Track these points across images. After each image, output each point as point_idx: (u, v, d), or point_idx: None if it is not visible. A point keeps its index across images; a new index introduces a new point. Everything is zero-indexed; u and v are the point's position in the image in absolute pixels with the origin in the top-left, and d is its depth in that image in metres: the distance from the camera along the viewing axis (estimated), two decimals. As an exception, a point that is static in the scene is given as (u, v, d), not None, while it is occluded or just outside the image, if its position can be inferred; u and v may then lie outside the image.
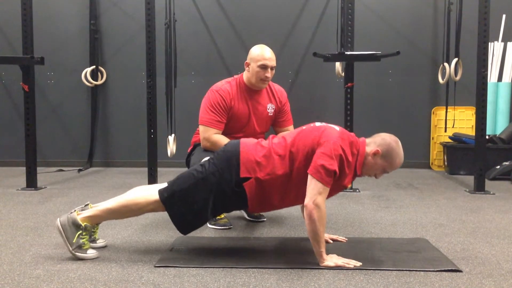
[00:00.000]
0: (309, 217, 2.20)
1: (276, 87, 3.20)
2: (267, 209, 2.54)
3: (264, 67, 2.96)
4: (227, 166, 2.35)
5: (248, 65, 3.03)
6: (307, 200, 2.22)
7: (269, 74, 2.99)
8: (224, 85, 3.05)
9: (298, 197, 2.37)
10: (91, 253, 2.38)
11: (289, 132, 2.52)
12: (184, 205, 2.35)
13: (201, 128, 3.02)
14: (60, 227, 2.34)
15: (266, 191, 2.35)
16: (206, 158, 2.49)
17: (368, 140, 2.42)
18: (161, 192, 2.38)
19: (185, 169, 3.17)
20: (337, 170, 2.24)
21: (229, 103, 3.01)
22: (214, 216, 2.48)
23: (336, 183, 2.31)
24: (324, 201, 2.22)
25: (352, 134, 2.40)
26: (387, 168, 2.39)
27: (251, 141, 2.48)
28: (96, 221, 2.43)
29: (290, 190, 2.36)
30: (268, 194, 2.36)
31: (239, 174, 2.33)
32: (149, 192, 2.41)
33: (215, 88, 3.05)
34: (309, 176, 2.25)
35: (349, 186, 2.39)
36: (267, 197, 2.38)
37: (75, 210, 2.41)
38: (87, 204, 2.57)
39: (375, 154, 2.35)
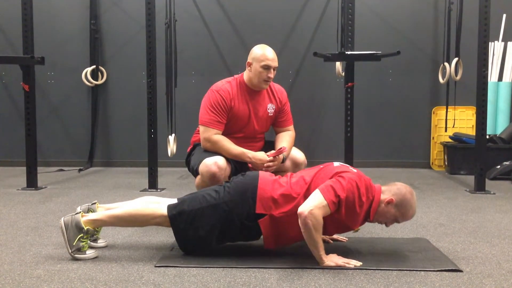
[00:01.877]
0: (304, 225, 2.19)
1: (276, 87, 3.20)
2: (283, 244, 2.45)
3: (267, 67, 2.95)
4: (241, 198, 2.35)
5: (250, 65, 3.01)
6: (304, 208, 2.20)
7: (271, 74, 2.98)
8: (224, 85, 3.04)
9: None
10: (89, 253, 2.39)
11: (308, 170, 2.49)
12: (190, 227, 2.35)
13: (201, 128, 3.01)
14: (63, 227, 2.34)
15: (281, 227, 2.34)
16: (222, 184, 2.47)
17: (383, 188, 2.41)
18: (170, 208, 2.37)
19: (185, 169, 3.18)
20: (342, 198, 2.23)
21: (229, 103, 3.00)
22: (219, 244, 2.44)
23: (344, 219, 2.29)
24: (321, 215, 2.19)
25: (369, 178, 2.40)
26: (398, 218, 2.38)
27: (269, 177, 2.46)
28: (99, 225, 2.43)
29: None
30: (283, 230, 2.34)
31: (255, 210, 2.32)
32: (158, 206, 2.40)
33: (215, 88, 3.04)
34: (315, 190, 2.26)
35: (357, 229, 2.39)
36: (282, 233, 2.36)
37: (80, 212, 2.42)
38: (94, 203, 2.58)
39: (389, 202, 2.35)
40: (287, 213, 2.31)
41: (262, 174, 2.47)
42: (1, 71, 5.86)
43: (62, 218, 2.37)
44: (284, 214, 2.31)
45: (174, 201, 2.44)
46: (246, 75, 3.06)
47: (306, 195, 2.31)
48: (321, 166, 2.46)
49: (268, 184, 2.38)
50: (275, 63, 2.99)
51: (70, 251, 2.34)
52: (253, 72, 2.98)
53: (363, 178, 2.36)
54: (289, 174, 2.51)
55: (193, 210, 2.35)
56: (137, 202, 2.48)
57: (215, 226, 2.34)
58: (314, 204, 2.20)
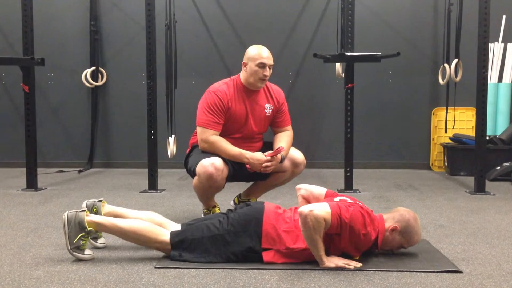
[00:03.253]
0: (304, 224, 2.18)
1: (274, 87, 3.20)
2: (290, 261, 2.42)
3: (262, 65, 2.96)
4: (245, 230, 2.34)
5: (245, 65, 3.02)
6: (305, 208, 2.20)
7: (267, 72, 2.98)
8: (221, 86, 3.05)
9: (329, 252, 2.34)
10: (87, 253, 2.38)
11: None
12: (190, 255, 2.34)
13: (198, 129, 3.01)
14: (65, 222, 2.34)
15: (284, 258, 2.33)
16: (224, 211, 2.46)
17: (386, 215, 2.42)
18: (173, 235, 2.37)
19: (185, 170, 3.18)
20: (346, 221, 2.21)
21: (227, 104, 3.00)
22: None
23: (347, 246, 2.29)
24: (322, 218, 2.17)
25: (371, 210, 2.39)
26: (404, 244, 2.40)
27: (273, 210, 2.42)
28: (101, 229, 2.42)
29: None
30: (291, 257, 2.33)
31: (260, 244, 2.31)
32: (162, 231, 2.39)
33: (212, 89, 3.04)
34: (322, 202, 2.27)
35: (357, 257, 2.39)
36: (289, 258, 2.33)
37: (85, 210, 2.41)
38: (101, 201, 2.58)
39: (393, 230, 2.36)
40: (292, 250, 2.30)
41: (267, 207, 2.43)
42: (1, 72, 5.86)
43: (66, 213, 2.36)
44: (289, 251, 2.31)
45: (178, 227, 2.44)
46: (242, 75, 3.07)
47: None
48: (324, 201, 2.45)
49: (272, 219, 2.36)
50: (270, 61, 2.99)
51: (69, 247, 2.34)
52: (249, 71, 2.99)
53: (365, 209, 2.36)
54: (293, 208, 2.48)
55: (195, 238, 2.35)
56: (143, 220, 2.45)
57: (216, 256, 2.33)
58: (317, 207, 2.19)
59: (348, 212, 2.24)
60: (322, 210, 2.19)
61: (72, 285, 2.06)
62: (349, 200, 2.41)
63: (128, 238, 2.41)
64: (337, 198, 2.45)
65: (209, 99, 3.00)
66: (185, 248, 2.34)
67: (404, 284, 2.07)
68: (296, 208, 2.46)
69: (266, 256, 2.31)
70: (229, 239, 2.33)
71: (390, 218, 2.40)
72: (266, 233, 2.33)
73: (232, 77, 3.13)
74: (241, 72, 3.08)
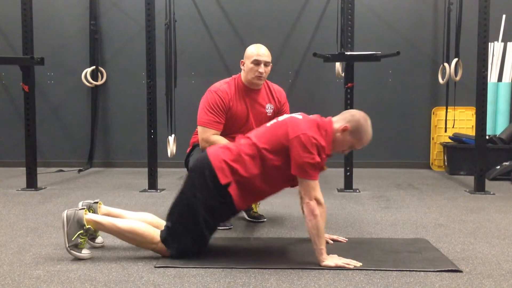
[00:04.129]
0: (312, 213, 2.25)
1: (275, 87, 3.20)
2: (257, 200, 2.65)
3: (257, 62, 2.97)
4: (203, 180, 2.34)
5: (243, 63, 3.04)
6: (307, 199, 2.27)
7: (262, 69, 2.98)
8: (222, 86, 3.05)
9: (284, 181, 2.42)
10: (85, 253, 2.39)
11: (254, 130, 2.53)
12: (181, 243, 2.35)
13: (199, 129, 3.01)
14: (65, 220, 2.35)
15: (249, 188, 2.36)
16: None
17: (336, 118, 2.42)
18: (161, 233, 2.39)
19: (185, 170, 3.18)
20: (319, 160, 2.28)
21: (228, 104, 3.00)
22: (212, 233, 2.43)
23: None
24: (321, 193, 2.30)
25: (316, 116, 2.41)
26: (355, 144, 2.40)
27: (218, 148, 2.47)
28: (99, 228, 2.42)
29: (273, 182, 2.39)
30: (252, 190, 2.38)
31: (220, 183, 2.32)
32: (157, 232, 2.40)
33: (213, 88, 3.05)
34: (298, 178, 2.30)
35: (325, 168, 2.45)
36: (253, 192, 2.39)
37: (84, 208, 2.42)
38: (96, 202, 2.58)
39: (344, 130, 2.36)
40: (247, 179, 2.33)
41: (209, 150, 2.46)
42: (0, 71, 5.86)
43: (66, 211, 2.38)
44: (245, 180, 2.33)
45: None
46: (242, 74, 3.08)
47: (261, 156, 2.33)
48: (267, 125, 2.48)
49: (218, 154, 2.38)
50: (264, 58, 2.99)
51: (67, 245, 2.35)
52: (246, 69, 3.01)
53: (311, 121, 2.36)
54: (237, 137, 2.53)
55: (174, 221, 2.37)
56: (139, 220, 2.47)
57: (198, 219, 2.33)
58: (310, 190, 2.27)
59: (309, 153, 2.26)
60: (316, 188, 2.29)
61: (72, 285, 2.06)
62: (297, 116, 2.40)
63: (125, 238, 2.41)
64: (281, 118, 2.44)
65: (210, 99, 3.00)
66: (172, 234, 2.35)
67: (403, 283, 2.07)
68: (241, 137, 2.50)
69: (232, 191, 2.31)
70: (197, 196, 2.33)
71: (341, 119, 2.40)
72: (218, 168, 2.33)
73: (234, 76, 3.13)
74: (241, 72, 3.09)
